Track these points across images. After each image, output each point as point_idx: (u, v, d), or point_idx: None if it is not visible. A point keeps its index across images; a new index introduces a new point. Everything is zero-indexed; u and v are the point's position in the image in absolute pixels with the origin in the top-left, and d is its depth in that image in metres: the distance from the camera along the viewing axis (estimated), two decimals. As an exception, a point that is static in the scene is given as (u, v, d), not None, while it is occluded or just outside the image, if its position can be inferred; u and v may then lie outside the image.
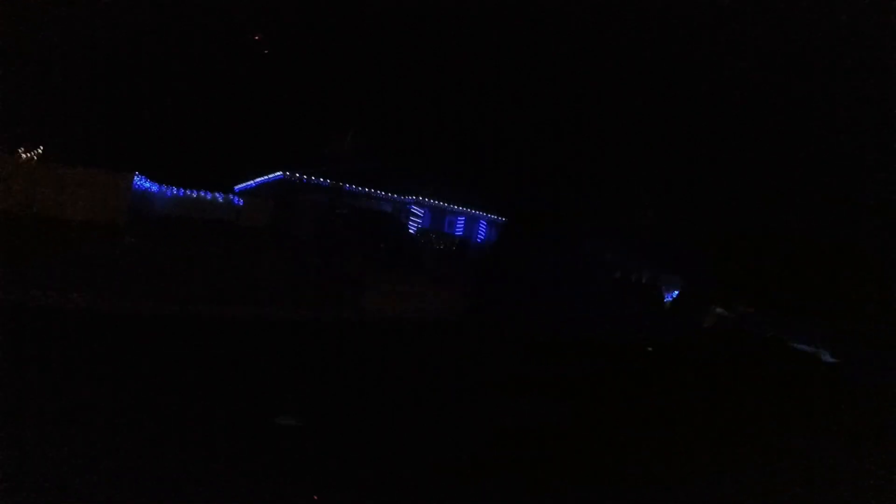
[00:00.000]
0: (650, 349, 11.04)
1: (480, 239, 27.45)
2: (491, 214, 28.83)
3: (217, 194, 24.14)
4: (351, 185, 22.70)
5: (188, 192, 23.43)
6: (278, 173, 22.10)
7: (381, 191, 23.82)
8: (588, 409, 4.88)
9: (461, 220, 26.54)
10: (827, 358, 11.55)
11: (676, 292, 22.99)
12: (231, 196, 24.10)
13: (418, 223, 23.92)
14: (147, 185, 18.73)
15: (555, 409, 4.91)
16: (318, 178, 21.88)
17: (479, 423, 3.66)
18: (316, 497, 2.39)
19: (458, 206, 26.88)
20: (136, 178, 15.35)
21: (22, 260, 6.99)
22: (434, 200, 25.35)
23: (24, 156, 23.54)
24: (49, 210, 13.43)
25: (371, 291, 8.90)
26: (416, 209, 23.90)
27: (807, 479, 3.14)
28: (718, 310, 19.32)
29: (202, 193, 23.84)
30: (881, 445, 3.54)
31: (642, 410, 5.13)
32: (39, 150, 25.04)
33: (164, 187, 22.80)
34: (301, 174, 21.59)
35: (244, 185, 28.01)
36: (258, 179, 24.96)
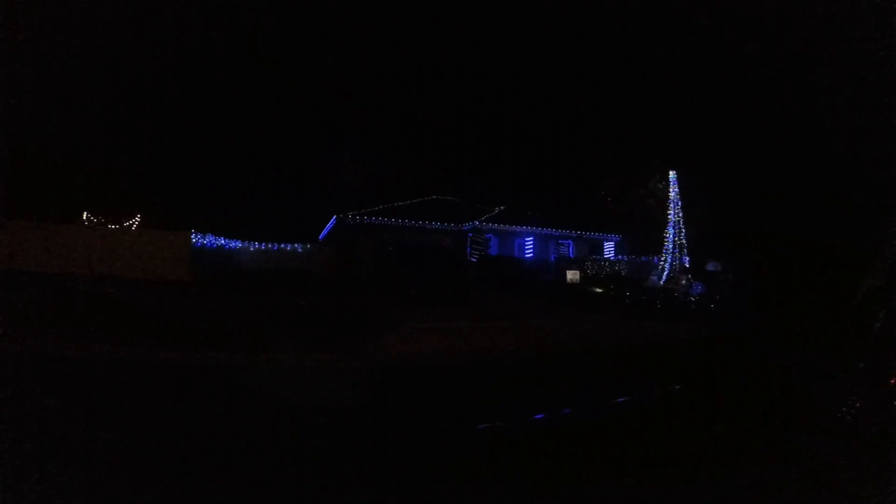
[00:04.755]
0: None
1: (553, 258, 25.56)
2: (567, 230, 26.90)
3: (297, 245, 25.92)
4: (407, 219, 22.69)
5: (270, 246, 25.49)
6: (333, 217, 22.92)
7: (439, 222, 23.48)
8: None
9: (529, 241, 25.01)
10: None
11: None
12: (310, 245, 25.68)
13: (480, 251, 22.96)
14: (213, 241, 20.43)
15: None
16: (371, 216, 22.23)
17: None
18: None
19: (527, 227, 25.43)
20: (193, 235, 16.67)
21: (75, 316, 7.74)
22: (498, 224, 24.29)
23: (90, 222, 27.58)
24: (114, 270, 15.27)
25: (391, 331, 8.12)
26: (475, 236, 23.02)
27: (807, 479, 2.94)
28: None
29: (283, 245, 25.75)
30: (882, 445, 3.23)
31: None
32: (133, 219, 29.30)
33: (247, 243, 25.14)
34: (354, 215, 22.10)
35: (324, 232, 29.77)
36: (327, 226, 26.23)
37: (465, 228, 23.26)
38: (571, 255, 26.60)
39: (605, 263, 24.29)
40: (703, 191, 21.59)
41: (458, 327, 9.85)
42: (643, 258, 25.33)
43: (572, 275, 20.13)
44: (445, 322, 10.47)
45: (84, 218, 28.31)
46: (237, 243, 24.64)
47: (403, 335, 8.43)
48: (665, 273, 19.98)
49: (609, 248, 27.33)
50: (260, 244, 25.38)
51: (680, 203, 20.65)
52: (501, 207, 27.18)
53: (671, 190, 20.57)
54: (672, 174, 20.59)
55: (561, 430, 3.93)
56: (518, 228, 24.86)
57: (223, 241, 22.48)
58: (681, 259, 20.43)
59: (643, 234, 25.50)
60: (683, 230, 20.59)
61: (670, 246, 20.64)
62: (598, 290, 18.36)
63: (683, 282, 17.11)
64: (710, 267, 19.82)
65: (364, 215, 22.07)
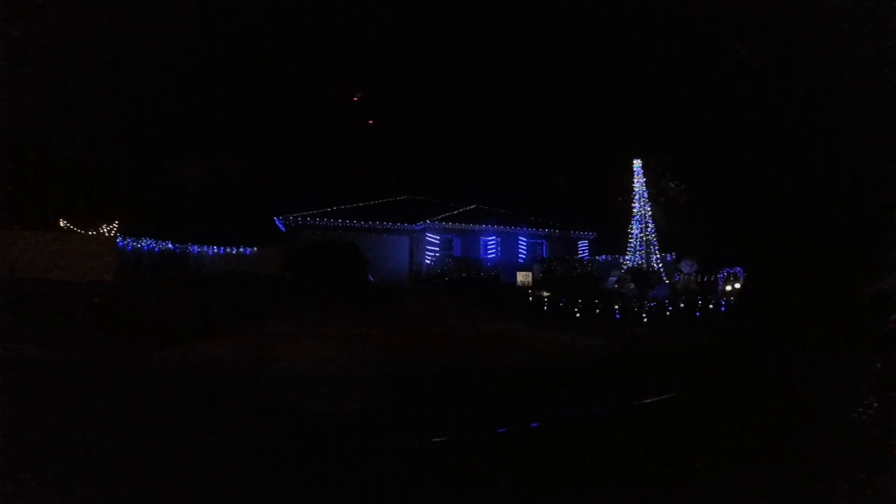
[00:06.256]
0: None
1: (523, 258, 23.72)
2: (539, 229, 25.02)
3: (246, 248, 25.17)
4: (355, 220, 21.50)
5: (228, 250, 24.87)
6: (276, 218, 22.04)
7: (391, 222, 22.16)
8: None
9: (492, 240, 23.29)
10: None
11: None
12: (257, 248, 24.85)
13: (435, 251, 21.46)
14: (155, 244, 19.91)
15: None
16: (316, 218, 21.16)
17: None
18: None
19: (494, 226, 23.72)
20: (119, 238, 16.45)
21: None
22: (458, 223, 22.72)
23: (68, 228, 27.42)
24: (38, 272, 14.90)
25: (238, 332, 7.40)
26: (430, 236, 21.54)
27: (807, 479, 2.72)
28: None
29: (241, 249, 25.11)
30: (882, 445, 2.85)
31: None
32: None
33: (206, 247, 24.62)
34: (295, 216, 21.10)
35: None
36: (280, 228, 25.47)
37: (418, 228, 21.81)
38: (546, 255, 24.70)
39: (575, 263, 22.28)
40: (676, 185, 19.33)
41: (317, 333, 8.73)
42: (624, 258, 23.21)
43: (523, 277, 18.38)
44: (314, 328, 9.33)
45: (61, 224, 28.62)
46: (195, 248, 24.18)
47: (249, 337, 7.58)
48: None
49: (583, 247, 25.25)
50: (219, 248, 24.88)
51: (647, 195, 18.51)
52: (471, 206, 25.61)
53: (636, 181, 18.46)
54: (637, 163, 18.48)
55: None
56: (481, 227, 23.20)
57: (169, 245, 22.00)
58: (648, 258, 18.31)
59: (619, 232, 23.41)
60: (650, 225, 18.43)
61: (636, 243, 18.56)
62: (546, 293, 16.55)
63: (632, 285, 15.10)
64: (685, 267, 17.64)
65: (307, 217, 21.04)
